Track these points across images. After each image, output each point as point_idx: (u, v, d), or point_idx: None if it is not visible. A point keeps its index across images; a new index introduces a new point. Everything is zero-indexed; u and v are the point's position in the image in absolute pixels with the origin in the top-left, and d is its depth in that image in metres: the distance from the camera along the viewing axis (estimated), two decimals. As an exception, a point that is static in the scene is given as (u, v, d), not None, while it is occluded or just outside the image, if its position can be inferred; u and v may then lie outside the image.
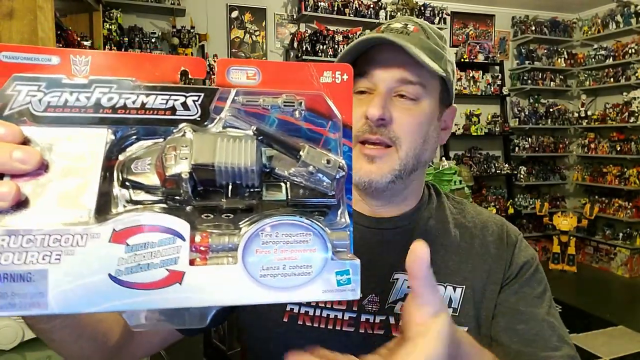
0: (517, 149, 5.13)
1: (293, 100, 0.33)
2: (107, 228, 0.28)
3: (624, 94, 4.71)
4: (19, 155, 0.28)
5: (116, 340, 0.58)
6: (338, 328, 0.66)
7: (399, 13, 4.45)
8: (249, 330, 0.72)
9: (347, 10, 4.27)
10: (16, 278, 0.27)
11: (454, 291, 0.68)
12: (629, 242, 4.57)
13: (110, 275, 0.28)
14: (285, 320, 0.67)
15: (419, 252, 0.35)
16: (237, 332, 2.12)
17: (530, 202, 5.16)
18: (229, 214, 0.31)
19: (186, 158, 0.29)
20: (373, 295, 0.67)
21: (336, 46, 4.25)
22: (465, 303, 0.68)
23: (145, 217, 0.29)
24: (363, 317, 0.67)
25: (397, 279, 0.68)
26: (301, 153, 0.32)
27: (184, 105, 0.31)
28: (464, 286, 0.69)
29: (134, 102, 0.30)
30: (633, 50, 4.59)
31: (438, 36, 0.70)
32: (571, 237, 4.55)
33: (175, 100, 0.31)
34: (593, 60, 5.04)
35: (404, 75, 0.65)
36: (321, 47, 4.20)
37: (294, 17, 4.31)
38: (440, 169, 3.60)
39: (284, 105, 0.33)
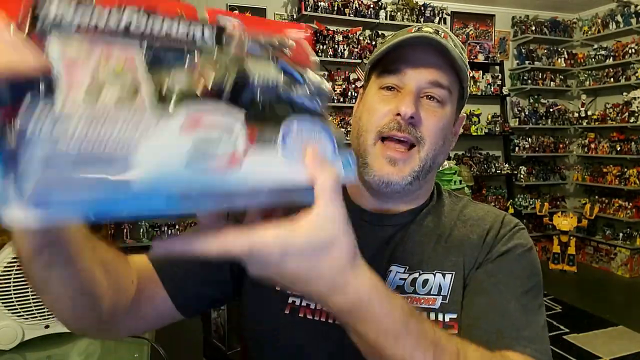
0: (517, 149, 5.13)
1: (285, 41, 0.40)
2: (175, 121, 0.31)
3: (624, 94, 4.71)
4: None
5: (111, 306, 0.55)
6: (338, 322, 0.66)
7: (399, 13, 4.45)
8: (250, 325, 0.72)
9: (347, 10, 4.27)
10: (104, 160, 0.29)
11: (444, 278, 0.68)
12: (629, 242, 4.57)
13: (180, 162, 0.31)
14: (287, 312, 0.68)
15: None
16: (238, 328, 2.12)
17: (531, 202, 5.16)
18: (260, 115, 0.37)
19: (225, 74, 0.34)
20: None
21: (336, 46, 4.25)
22: (455, 289, 0.67)
23: (207, 111, 0.33)
24: None
25: (390, 270, 0.69)
26: (304, 76, 0.40)
27: (203, 34, 0.35)
28: (453, 272, 0.68)
29: (159, 31, 0.33)
30: (633, 50, 4.59)
31: (460, 46, 0.71)
32: (571, 237, 4.55)
33: (195, 31, 0.35)
34: (593, 60, 5.04)
35: (437, 77, 0.67)
36: (321, 47, 4.21)
37: (294, 17, 4.31)
38: (440, 169, 3.61)
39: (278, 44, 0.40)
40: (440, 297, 0.67)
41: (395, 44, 0.66)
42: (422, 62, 0.67)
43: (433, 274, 0.68)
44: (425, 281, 0.68)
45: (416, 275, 0.68)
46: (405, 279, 0.68)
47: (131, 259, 0.64)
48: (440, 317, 0.66)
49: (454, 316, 0.66)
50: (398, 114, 0.65)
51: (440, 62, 0.67)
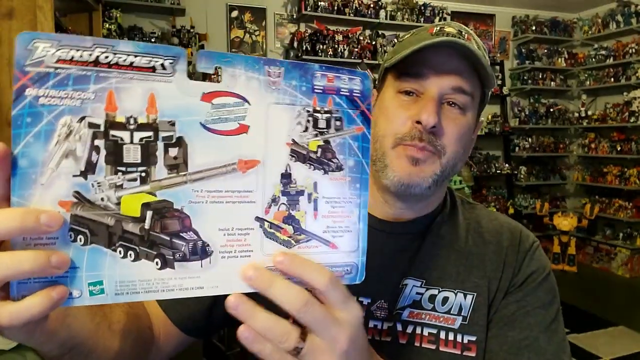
0: (517, 148, 5.12)
1: None
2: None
3: (625, 93, 4.70)
4: (55, 259, 0.31)
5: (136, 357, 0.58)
6: None
7: (399, 13, 4.44)
8: None
9: (347, 10, 4.27)
10: None
11: (464, 298, 0.66)
12: (629, 242, 4.57)
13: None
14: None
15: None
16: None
17: (531, 202, 5.15)
18: None
19: None
20: (382, 301, 0.66)
21: (336, 46, 4.24)
22: (475, 311, 0.65)
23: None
24: (371, 324, 0.65)
25: (405, 284, 0.66)
26: None
27: None
28: (475, 293, 0.66)
29: None
30: (633, 50, 4.58)
31: (483, 48, 0.68)
32: (571, 237, 4.55)
33: None
34: (593, 60, 5.04)
35: (460, 83, 0.63)
36: (321, 46, 4.20)
37: (294, 16, 4.31)
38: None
39: None
40: (460, 317, 0.65)
41: (419, 47, 0.61)
42: (445, 66, 0.62)
43: (454, 292, 0.66)
44: (445, 299, 0.66)
45: (435, 291, 0.66)
46: (422, 294, 0.66)
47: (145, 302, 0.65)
48: (459, 338, 0.65)
49: (473, 338, 0.65)
50: (418, 122, 0.61)
51: (464, 67, 0.63)
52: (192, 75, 0.37)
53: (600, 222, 4.92)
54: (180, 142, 0.35)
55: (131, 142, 0.34)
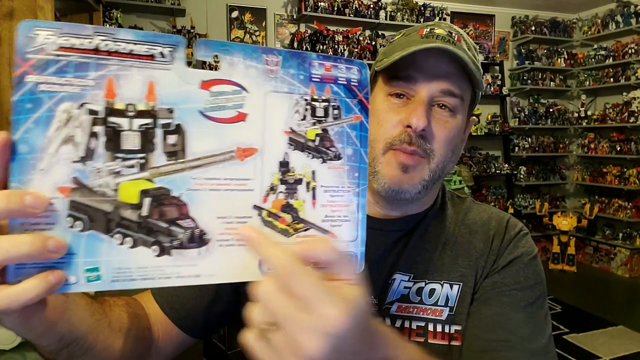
0: (517, 149, 5.13)
1: None
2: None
3: (624, 94, 4.70)
4: (52, 244, 0.31)
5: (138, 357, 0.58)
6: None
7: (398, 13, 4.45)
8: None
9: (347, 11, 4.27)
10: None
11: (451, 289, 0.67)
12: (628, 242, 4.57)
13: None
14: None
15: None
16: (240, 332, 2.11)
17: (530, 202, 5.16)
18: None
19: None
20: (372, 297, 0.67)
21: (336, 46, 4.25)
22: (461, 301, 0.66)
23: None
24: None
25: (394, 279, 0.67)
26: None
27: None
28: (461, 283, 0.67)
29: None
30: (633, 50, 4.59)
31: (474, 47, 0.69)
32: (571, 237, 4.55)
33: None
34: (593, 60, 5.04)
35: (449, 87, 0.64)
36: (321, 47, 4.20)
37: (294, 17, 4.31)
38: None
39: None
40: (447, 308, 0.66)
41: (408, 54, 0.62)
42: (434, 70, 0.63)
43: (440, 284, 0.67)
44: (432, 291, 0.67)
45: (422, 284, 0.67)
46: (410, 288, 0.67)
47: (142, 301, 0.65)
48: (446, 329, 0.65)
49: (459, 328, 0.65)
50: (408, 126, 0.62)
51: (454, 69, 0.64)
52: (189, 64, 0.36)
53: (600, 222, 4.92)
54: (178, 130, 0.35)
55: (130, 129, 0.34)
